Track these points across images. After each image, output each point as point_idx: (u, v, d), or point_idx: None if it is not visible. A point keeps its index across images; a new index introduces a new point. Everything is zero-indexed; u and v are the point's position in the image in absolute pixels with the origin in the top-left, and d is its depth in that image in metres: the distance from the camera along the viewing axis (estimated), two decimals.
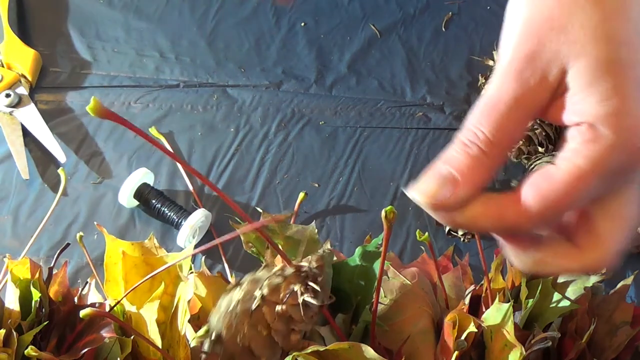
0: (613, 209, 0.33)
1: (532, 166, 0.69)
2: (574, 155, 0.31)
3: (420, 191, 0.33)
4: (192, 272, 0.48)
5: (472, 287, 0.52)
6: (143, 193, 0.64)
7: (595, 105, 0.31)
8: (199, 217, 0.62)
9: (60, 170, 0.56)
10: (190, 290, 0.47)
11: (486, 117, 0.32)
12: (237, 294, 0.37)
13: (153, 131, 0.70)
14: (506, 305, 0.45)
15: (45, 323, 0.47)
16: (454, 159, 0.33)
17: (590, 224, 0.34)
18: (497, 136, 0.32)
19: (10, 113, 0.69)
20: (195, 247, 0.59)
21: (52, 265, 0.50)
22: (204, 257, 0.62)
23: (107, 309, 0.49)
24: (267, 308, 0.37)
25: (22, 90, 0.70)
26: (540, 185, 0.32)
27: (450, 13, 0.80)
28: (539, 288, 0.47)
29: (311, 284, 0.37)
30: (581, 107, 0.32)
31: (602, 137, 0.31)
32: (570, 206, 0.32)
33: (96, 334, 0.46)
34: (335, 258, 0.53)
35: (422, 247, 0.62)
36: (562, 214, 0.33)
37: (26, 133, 0.69)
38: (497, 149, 0.32)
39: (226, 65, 0.76)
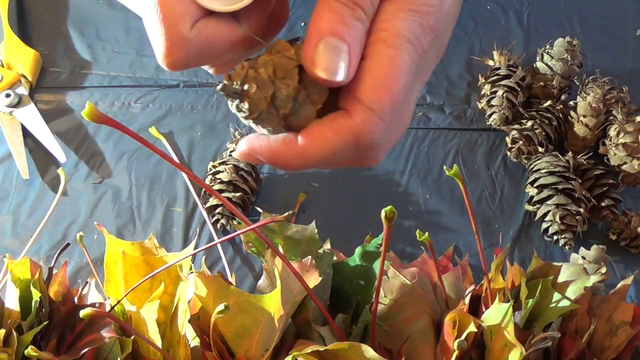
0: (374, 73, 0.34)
1: (532, 166, 0.69)
2: None
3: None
4: (192, 272, 0.48)
5: (472, 287, 0.52)
6: None
7: None
8: None
9: (60, 171, 0.56)
10: (190, 290, 0.47)
11: None
12: None
13: (153, 131, 0.70)
14: (506, 305, 0.45)
15: (45, 323, 0.47)
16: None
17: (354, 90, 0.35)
18: None
19: (10, 113, 0.69)
20: (195, 247, 0.59)
21: (52, 265, 0.50)
22: (204, 257, 0.62)
23: (107, 309, 0.49)
24: None
25: (22, 90, 0.70)
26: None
27: None
28: (539, 288, 0.47)
29: None
30: None
31: None
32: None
33: (96, 334, 0.46)
34: (335, 258, 0.53)
35: (422, 247, 0.62)
36: None
37: (26, 133, 0.69)
38: None
39: None
